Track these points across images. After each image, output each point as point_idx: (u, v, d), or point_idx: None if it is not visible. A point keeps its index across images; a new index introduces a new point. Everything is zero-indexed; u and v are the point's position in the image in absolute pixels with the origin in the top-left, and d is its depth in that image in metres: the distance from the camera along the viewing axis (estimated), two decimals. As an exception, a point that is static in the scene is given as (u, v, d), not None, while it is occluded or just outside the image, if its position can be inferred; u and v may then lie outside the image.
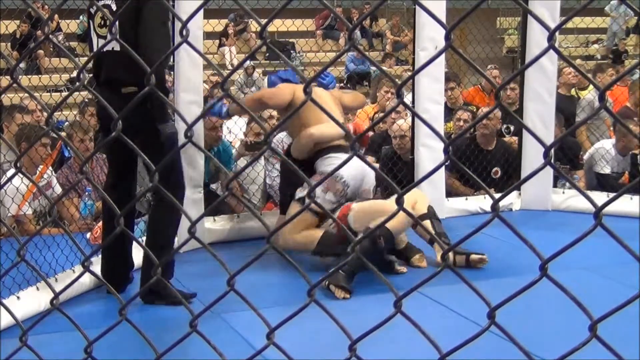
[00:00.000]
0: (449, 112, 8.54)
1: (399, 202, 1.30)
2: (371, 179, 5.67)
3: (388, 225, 5.12)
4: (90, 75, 4.77)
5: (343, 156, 5.39)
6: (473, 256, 5.22)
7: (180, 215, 4.75)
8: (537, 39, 7.00)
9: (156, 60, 4.38)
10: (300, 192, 5.40)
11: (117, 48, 4.49)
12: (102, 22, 4.67)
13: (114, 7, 4.62)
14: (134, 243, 5.29)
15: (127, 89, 4.43)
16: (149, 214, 4.92)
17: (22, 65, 11.39)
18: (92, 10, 4.74)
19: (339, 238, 5.34)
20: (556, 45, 1.21)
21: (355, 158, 5.18)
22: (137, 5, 4.41)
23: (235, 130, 7.94)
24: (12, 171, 6.12)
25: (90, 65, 4.77)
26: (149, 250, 1.72)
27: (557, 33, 1.21)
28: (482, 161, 7.49)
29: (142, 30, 4.41)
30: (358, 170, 5.47)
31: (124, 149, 4.54)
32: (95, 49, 4.81)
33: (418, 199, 5.53)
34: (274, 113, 7.61)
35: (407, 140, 7.15)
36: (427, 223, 5.36)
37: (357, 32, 17.61)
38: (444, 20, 1.35)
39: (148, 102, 4.38)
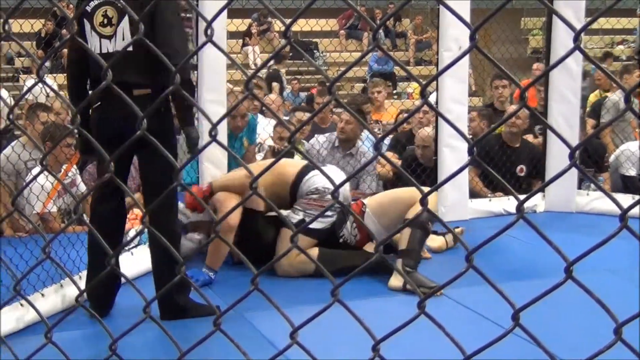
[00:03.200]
0: (497, 113, 8.50)
1: (424, 202, 1.30)
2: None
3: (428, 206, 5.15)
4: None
5: (316, 171, 5.29)
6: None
7: (178, 223, 4.61)
8: (562, 39, 6.96)
9: (181, 58, 4.28)
10: (293, 217, 5.27)
11: (129, 48, 4.15)
12: (105, 21, 4.26)
13: (119, 4, 4.23)
14: (124, 258, 5.23)
15: (139, 92, 4.06)
16: (149, 233, 4.54)
17: (47, 64, 11.44)
18: (89, 9, 4.28)
19: (336, 254, 5.34)
20: (581, 46, 1.21)
21: (329, 167, 5.18)
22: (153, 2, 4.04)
23: (263, 135, 7.96)
24: (37, 169, 6.17)
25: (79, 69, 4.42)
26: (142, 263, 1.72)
27: (582, 34, 1.20)
28: (508, 159, 7.48)
29: (161, 27, 4.10)
30: (337, 179, 5.34)
31: (120, 160, 4.04)
32: (96, 50, 4.25)
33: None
34: (299, 116, 7.68)
35: (430, 150, 7.16)
36: (407, 232, 5.13)
37: (381, 32, 17.59)
38: (468, 20, 1.35)
39: (176, 103, 4.22)
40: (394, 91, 17.44)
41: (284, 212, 5.38)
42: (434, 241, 5.90)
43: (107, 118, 4.21)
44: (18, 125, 1.87)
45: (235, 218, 5.06)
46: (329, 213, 5.32)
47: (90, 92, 4.44)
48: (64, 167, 6.53)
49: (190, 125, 4.39)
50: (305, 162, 5.56)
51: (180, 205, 5.04)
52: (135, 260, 5.29)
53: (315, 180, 5.28)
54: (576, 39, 1.19)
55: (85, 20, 4.30)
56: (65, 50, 13.46)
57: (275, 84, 16.06)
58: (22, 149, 6.31)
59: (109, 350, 1.66)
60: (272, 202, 5.45)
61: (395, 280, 5.00)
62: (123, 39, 4.23)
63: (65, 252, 4.73)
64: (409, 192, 5.29)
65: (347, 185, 5.57)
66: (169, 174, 4.29)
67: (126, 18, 4.21)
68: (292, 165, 5.45)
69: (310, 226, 5.20)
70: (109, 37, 4.26)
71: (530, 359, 1.95)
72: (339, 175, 5.38)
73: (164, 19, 4.13)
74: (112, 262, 1.66)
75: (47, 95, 7.51)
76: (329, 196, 5.21)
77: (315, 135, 7.55)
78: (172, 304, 4.31)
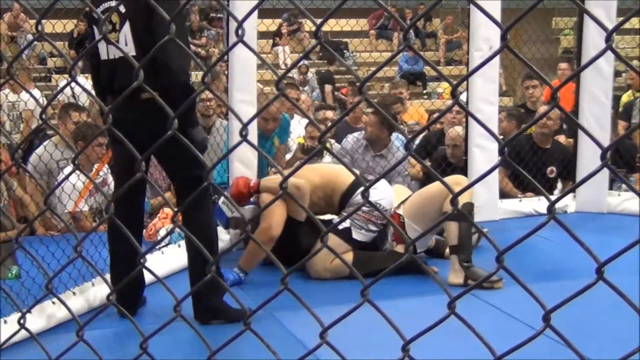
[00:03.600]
0: (529, 113, 8.47)
1: (454, 203, 1.30)
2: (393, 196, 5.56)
3: (466, 199, 5.16)
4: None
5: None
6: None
7: (213, 221, 4.58)
8: (593, 39, 6.92)
9: (183, 63, 4.26)
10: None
11: (132, 53, 4.17)
12: (111, 27, 4.26)
13: (121, 9, 4.22)
14: (155, 257, 5.27)
15: (146, 95, 3.90)
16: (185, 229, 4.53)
17: (79, 64, 11.52)
18: (96, 16, 4.07)
19: (370, 256, 5.35)
20: (613, 46, 1.20)
21: (382, 181, 5.05)
22: (150, 5, 3.96)
23: (294, 134, 7.99)
24: (69, 169, 6.22)
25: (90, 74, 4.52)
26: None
27: (614, 34, 1.20)
28: (538, 159, 7.44)
29: (161, 34, 3.95)
30: (387, 192, 5.41)
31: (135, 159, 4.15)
32: (103, 55, 4.34)
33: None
34: (328, 115, 7.66)
35: (460, 150, 7.14)
36: (454, 226, 5.15)
37: (411, 32, 17.56)
38: (499, 20, 1.34)
39: (176, 105, 4.16)
40: (424, 91, 17.40)
41: (331, 217, 5.42)
42: None
43: (119, 119, 4.22)
44: (51, 124, 1.89)
45: (277, 229, 5.07)
46: (373, 228, 5.32)
47: (103, 95, 4.41)
48: (96, 166, 6.58)
49: (194, 127, 4.33)
50: (358, 172, 5.58)
51: (224, 206, 5.05)
52: (166, 259, 5.31)
53: (369, 193, 5.25)
54: (608, 38, 1.18)
55: (94, 27, 4.33)
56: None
57: (328, 86, 16.05)
58: (54, 149, 6.36)
59: (139, 348, 1.67)
60: (319, 205, 5.37)
61: (455, 277, 5.06)
62: (126, 44, 4.22)
63: (96, 250, 4.76)
64: (439, 185, 5.26)
65: (392, 193, 5.53)
66: (195, 172, 4.23)
67: (127, 23, 4.21)
68: (347, 174, 5.41)
69: (353, 236, 5.23)
70: (116, 43, 4.25)
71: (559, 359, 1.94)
72: (387, 188, 5.41)
73: (160, 23, 4.08)
74: (142, 262, 1.67)
75: (75, 96, 7.56)
76: (377, 213, 5.20)
77: (347, 136, 7.55)
78: (204, 305, 4.31)
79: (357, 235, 5.28)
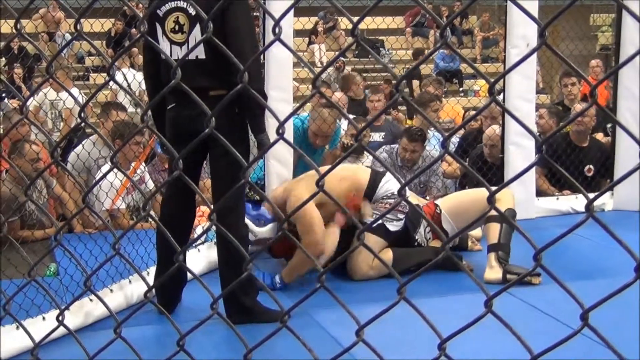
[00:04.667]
0: (566, 111, 8.42)
1: (491, 201, 1.29)
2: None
3: (510, 205, 5.27)
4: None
5: (390, 176, 5.29)
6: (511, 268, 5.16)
7: (245, 228, 4.55)
8: (631, 36, 6.85)
9: (258, 69, 4.22)
10: (369, 221, 5.19)
11: (201, 56, 4.14)
12: (177, 27, 4.25)
13: (191, 11, 4.20)
14: (191, 255, 5.31)
15: (215, 92, 4.09)
16: (217, 232, 4.57)
17: (117, 63, 11.58)
18: (160, 13, 4.28)
19: (408, 251, 5.37)
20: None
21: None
22: (221, 6, 3.93)
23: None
24: (106, 167, 6.27)
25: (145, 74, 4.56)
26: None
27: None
28: (575, 158, 7.38)
29: (233, 33, 4.07)
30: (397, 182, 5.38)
31: (192, 159, 4.33)
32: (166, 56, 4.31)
33: (502, 197, 5.27)
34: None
35: (497, 149, 7.09)
36: (495, 227, 5.22)
37: (448, 30, 17.42)
38: (536, 17, 1.34)
39: (244, 110, 4.17)
40: (460, 89, 17.32)
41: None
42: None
43: (180, 116, 4.26)
44: (89, 123, 1.90)
45: (327, 246, 4.96)
46: (401, 216, 5.35)
47: (157, 90, 4.41)
48: (133, 164, 6.62)
49: (261, 132, 4.30)
50: (372, 168, 5.62)
51: (249, 223, 4.94)
52: (202, 257, 5.33)
53: (391, 184, 5.28)
54: (647, 35, 1.17)
55: (157, 24, 4.29)
56: (135, 49, 13.67)
57: (415, 81, 15.94)
58: (93, 147, 6.41)
59: (176, 346, 1.67)
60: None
61: (492, 273, 5.08)
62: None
63: (133, 248, 4.79)
64: (479, 191, 5.33)
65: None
66: (236, 173, 4.24)
67: (198, 26, 4.19)
68: (363, 171, 5.44)
69: (389, 229, 5.25)
70: (180, 44, 4.25)
71: (597, 359, 1.93)
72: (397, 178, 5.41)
73: (237, 27, 4.11)
74: (179, 259, 1.68)
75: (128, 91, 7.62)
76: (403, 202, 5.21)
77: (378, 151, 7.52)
78: (238, 305, 4.28)
79: (391, 227, 5.30)
